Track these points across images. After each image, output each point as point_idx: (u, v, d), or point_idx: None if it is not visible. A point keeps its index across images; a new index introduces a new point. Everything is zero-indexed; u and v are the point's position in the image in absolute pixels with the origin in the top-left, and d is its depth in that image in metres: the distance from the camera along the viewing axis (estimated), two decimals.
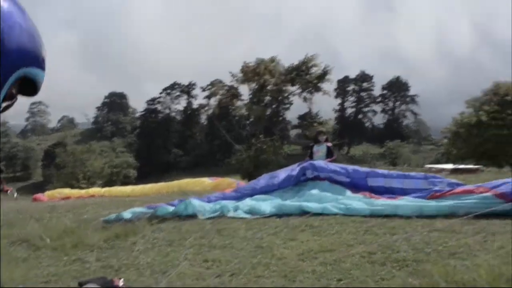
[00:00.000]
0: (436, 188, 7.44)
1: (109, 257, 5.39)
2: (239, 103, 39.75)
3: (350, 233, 5.57)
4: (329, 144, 10.78)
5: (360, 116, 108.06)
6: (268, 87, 36.69)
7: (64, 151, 58.57)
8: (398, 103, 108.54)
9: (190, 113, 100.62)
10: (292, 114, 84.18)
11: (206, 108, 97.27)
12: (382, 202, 6.98)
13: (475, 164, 41.29)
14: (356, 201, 7.35)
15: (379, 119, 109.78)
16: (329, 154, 10.42)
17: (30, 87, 1.35)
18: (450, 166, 39.43)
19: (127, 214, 7.85)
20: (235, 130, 76.22)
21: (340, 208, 6.94)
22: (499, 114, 37.71)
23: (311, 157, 10.42)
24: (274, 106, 40.94)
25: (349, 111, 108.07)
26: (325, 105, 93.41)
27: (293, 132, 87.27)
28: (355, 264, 4.30)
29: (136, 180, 58.73)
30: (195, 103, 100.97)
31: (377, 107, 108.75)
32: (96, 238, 6.30)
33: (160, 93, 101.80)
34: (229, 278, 4.25)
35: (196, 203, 7.79)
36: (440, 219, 5.85)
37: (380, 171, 8.82)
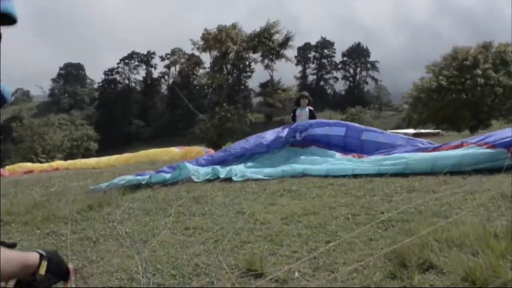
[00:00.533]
0: (422, 146, 7.60)
1: (85, 229, 5.20)
2: (201, 71, 39.10)
3: (330, 196, 5.55)
4: (311, 108, 10.83)
5: (321, 83, 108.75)
6: (231, 55, 36.16)
7: (21, 125, 56.76)
8: (359, 69, 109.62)
9: (150, 83, 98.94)
10: (253, 82, 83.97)
11: (166, 77, 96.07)
12: (387, 161, 6.95)
13: (435, 129, 42.30)
14: (347, 162, 7.47)
15: (340, 86, 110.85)
16: (311, 117, 10.52)
17: (6, 19, 1.36)
18: (411, 131, 40.27)
19: (119, 181, 7.69)
20: (196, 99, 75.46)
21: (346, 169, 6.93)
22: (458, 79, 38.54)
23: (294, 120, 10.59)
24: (235, 74, 40.43)
25: (311, 78, 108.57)
26: (287, 72, 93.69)
27: (255, 100, 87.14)
28: (340, 226, 4.28)
29: (97, 152, 57.59)
30: (155, 73, 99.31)
31: (338, 74, 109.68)
32: (68, 210, 6.08)
33: (118, 63, 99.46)
34: (213, 245, 4.16)
35: (190, 167, 7.68)
36: (418, 179, 5.90)
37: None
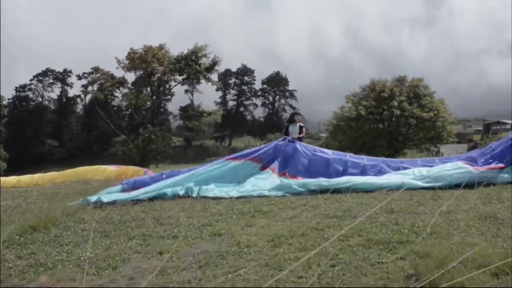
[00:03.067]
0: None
1: (35, 253, 4.47)
2: (124, 91, 37.73)
3: (308, 217, 5.22)
4: (301, 124, 11.45)
5: (241, 109, 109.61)
6: (156, 76, 35.26)
7: None
8: (277, 97, 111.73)
9: (65, 102, 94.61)
10: (172, 106, 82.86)
11: (83, 96, 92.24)
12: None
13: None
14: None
15: (259, 112, 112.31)
16: (300, 132, 11.02)
17: None
18: None
19: (106, 198, 7.13)
20: (114, 120, 72.86)
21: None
22: (376, 109, 40.23)
23: (287, 135, 10.71)
24: (154, 96, 39.43)
25: (231, 103, 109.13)
26: (207, 97, 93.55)
27: (174, 124, 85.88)
28: (338, 249, 3.94)
29: (5, 172, 53.59)
30: (71, 92, 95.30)
31: (258, 101, 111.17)
32: (6, 233, 5.25)
33: (31, 79, 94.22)
34: (200, 270, 3.66)
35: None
36: (394, 200, 5.74)
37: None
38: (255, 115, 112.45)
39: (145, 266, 3.88)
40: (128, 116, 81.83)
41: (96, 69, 38.09)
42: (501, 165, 7.45)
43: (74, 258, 4.22)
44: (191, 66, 35.07)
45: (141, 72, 35.22)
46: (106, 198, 7.12)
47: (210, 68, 36.48)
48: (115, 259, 4.11)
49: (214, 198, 6.91)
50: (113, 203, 6.95)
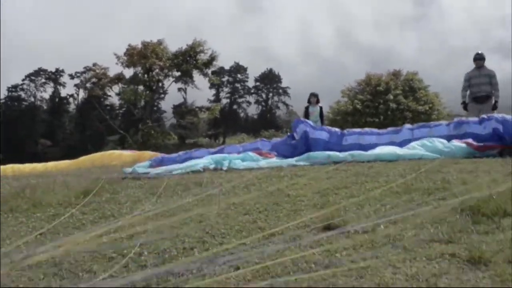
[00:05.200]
0: None
1: (97, 209, 4.85)
2: (122, 87, 38.00)
3: (344, 177, 5.64)
4: (320, 105, 11.87)
5: (234, 106, 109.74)
6: (155, 72, 35.63)
7: None
8: (271, 94, 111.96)
9: (58, 102, 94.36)
10: (165, 104, 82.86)
11: (76, 96, 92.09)
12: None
13: None
14: None
15: (253, 110, 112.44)
16: (321, 113, 11.54)
17: None
18: None
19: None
20: (105, 120, 72.85)
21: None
22: (372, 103, 40.79)
23: (307, 117, 11.09)
24: (150, 92, 39.64)
25: (224, 101, 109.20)
26: (199, 96, 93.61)
27: (167, 122, 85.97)
28: (383, 195, 4.37)
29: None
30: (63, 92, 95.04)
31: (251, 98, 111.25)
32: (60, 196, 5.63)
33: (23, 79, 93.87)
34: (271, 215, 4.07)
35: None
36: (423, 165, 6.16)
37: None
38: (248, 112, 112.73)
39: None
40: (122, 115, 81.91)
41: (93, 65, 38.27)
42: None
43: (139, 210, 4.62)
44: (189, 61, 35.49)
45: (140, 68, 35.53)
46: (140, 169, 7.50)
47: (208, 63, 36.92)
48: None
49: (245, 170, 7.32)
50: (146, 174, 7.33)
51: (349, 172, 5.87)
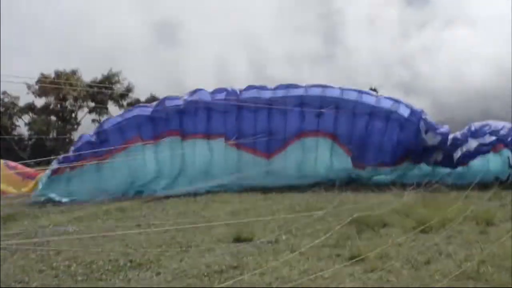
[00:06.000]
0: None
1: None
2: (31, 117, 36.56)
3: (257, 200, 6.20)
4: None
5: None
6: (68, 102, 34.72)
7: None
8: None
9: None
10: (77, 136, 79.87)
11: None
12: None
13: None
14: None
15: None
16: None
17: None
18: None
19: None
20: (14, 151, 69.28)
21: None
22: None
23: None
24: (60, 123, 38.37)
25: None
26: None
27: None
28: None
29: None
30: None
31: None
32: None
33: None
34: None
35: None
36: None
37: None
38: None
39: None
40: (31, 147, 78.34)
41: (3, 94, 36.35)
42: None
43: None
44: (104, 92, 34.89)
45: (53, 98, 34.45)
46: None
47: (125, 95, 36.43)
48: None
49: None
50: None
51: None
